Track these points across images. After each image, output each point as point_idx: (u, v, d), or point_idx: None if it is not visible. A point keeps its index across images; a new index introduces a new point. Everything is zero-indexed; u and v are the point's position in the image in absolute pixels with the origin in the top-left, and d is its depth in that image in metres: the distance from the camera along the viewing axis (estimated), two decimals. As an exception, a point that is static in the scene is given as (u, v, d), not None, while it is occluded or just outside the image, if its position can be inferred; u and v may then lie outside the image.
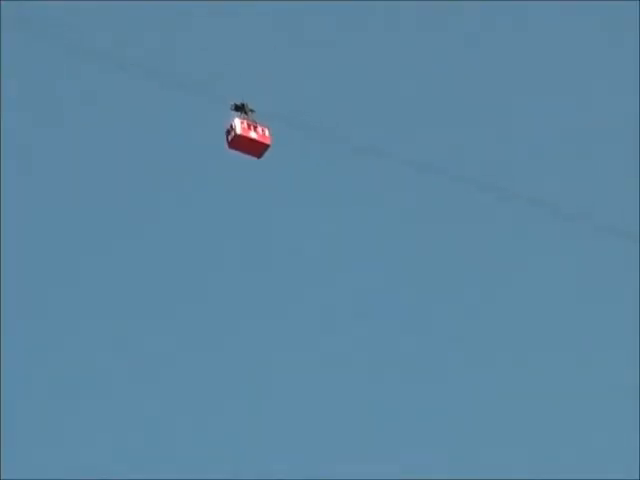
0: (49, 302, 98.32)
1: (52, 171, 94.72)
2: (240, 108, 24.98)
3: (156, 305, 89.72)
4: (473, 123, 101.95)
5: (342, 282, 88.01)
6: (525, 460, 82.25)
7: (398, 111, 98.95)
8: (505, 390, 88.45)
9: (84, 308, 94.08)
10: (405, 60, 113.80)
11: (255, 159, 25.69)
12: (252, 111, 26.23)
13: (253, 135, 25.56)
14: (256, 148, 25.51)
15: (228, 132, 25.52)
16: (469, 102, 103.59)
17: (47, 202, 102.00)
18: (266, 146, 25.59)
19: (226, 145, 25.57)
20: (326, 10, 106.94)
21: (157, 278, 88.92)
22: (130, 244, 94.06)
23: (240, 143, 25.52)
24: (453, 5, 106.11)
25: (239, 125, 25.36)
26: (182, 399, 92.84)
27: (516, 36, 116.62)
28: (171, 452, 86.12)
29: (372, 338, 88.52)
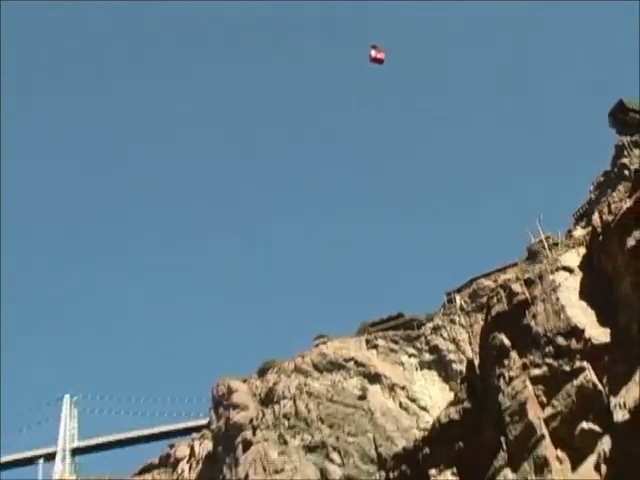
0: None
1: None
2: (374, 46, 43.72)
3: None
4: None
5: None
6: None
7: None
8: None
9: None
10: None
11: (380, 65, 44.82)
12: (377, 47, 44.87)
13: (379, 56, 44.58)
14: (379, 61, 44.60)
15: (369, 55, 44.14)
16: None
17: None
18: (383, 60, 44.56)
19: (369, 61, 44.73)
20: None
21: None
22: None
23: (374, 60, 44.51)
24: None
25: (373, 51, 44.25)
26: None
27: None
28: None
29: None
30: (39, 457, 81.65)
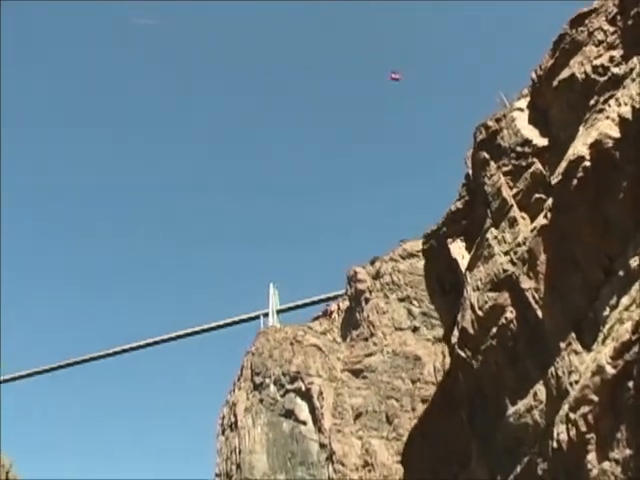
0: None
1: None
2: (395, 71, 39.44)
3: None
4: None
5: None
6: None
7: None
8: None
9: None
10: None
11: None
12: (397, 72, 41.07)
13: (396, 76, 40.46)
14: (396, 80, 40.07)
15: (391, 76, 39.64)
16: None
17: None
18: (399, 79, 40.11)
19: (389, 79, 40.38)
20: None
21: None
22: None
23: (393, 79, 40.34)
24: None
25: (393, 74, 40.04)
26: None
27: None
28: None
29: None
30: (260, 315, 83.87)
